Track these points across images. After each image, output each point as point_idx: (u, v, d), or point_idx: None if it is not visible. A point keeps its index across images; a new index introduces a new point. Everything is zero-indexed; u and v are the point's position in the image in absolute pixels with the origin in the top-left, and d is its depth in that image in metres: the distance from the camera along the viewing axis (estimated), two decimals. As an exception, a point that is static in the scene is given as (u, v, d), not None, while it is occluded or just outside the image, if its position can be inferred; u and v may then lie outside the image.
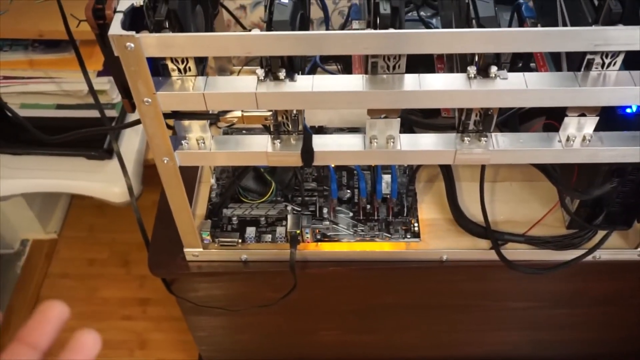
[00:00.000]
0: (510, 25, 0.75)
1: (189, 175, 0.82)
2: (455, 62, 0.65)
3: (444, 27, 0.74)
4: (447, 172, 0.80)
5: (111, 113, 1.04)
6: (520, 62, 0.72)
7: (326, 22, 0.79)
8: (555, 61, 0.65)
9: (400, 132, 0.63)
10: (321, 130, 0.85)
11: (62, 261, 1.29)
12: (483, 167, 0.72)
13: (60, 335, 1.11)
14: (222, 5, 0.78)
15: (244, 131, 0.84)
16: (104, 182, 1.02)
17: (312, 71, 0.75)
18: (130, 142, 1.05)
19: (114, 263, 1.26)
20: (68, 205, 1.37)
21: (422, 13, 0.81)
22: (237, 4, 1.06)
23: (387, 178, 0.78)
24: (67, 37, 0.67)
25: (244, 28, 0.89)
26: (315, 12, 0.84)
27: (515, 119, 0.74)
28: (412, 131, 0.78)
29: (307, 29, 0.64)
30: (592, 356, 1.02)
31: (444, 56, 0.72)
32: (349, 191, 0.80)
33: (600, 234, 0.74)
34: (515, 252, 0.74)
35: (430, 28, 0.78)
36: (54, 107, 1.05)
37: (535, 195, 0.80)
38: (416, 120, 0.79)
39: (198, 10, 0.59)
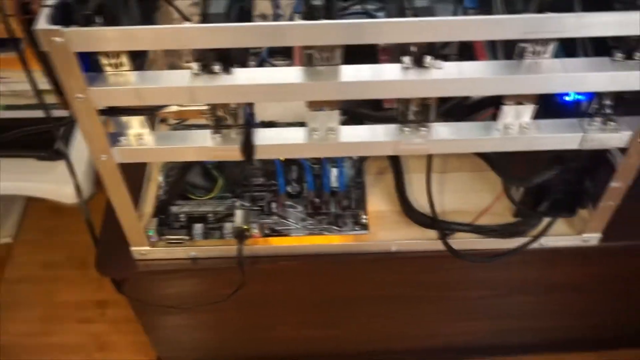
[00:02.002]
0: (455, 13, 0.77)
1: (137, 173, 0.81)
2: (396, 53, 0.65)
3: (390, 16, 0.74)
4: (395, 163, 0.80)
5: (64, 113, 1.02)
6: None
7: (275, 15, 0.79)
8: (494, 50, 0.65)
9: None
10: (272, 124, 0.84)
11: (18, 265, 1.26)
12: (429, 157, 0.73)
13: (20, 340, 1.08)
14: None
15: (193, 127, 0.83)
16: (55, 183, 1.00)
17: (260, 66, 0.75)
18: (82, 142, 1.03)
19: (71, 265, 1.24)
20: (23, 208, 1.34)
21: (368, 6, 0.81)
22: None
23: (336, 171, 0.78)
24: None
25: (188, 20, 0.88)
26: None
27: (459, 109, 0.75)
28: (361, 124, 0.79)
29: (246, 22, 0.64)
30: (553, 343, 1.04)
31: (389, 47, 0.72)
32: (298, 185, 0.79)
33: (546, 221, 0.75)
34: (463, 241, 0.75)
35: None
36: (3, 108, 1.02)
37: (485, 185, 0.80)
38: (366, 113, 0.79)
39: (132, 4, 0.58)
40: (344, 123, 0.79)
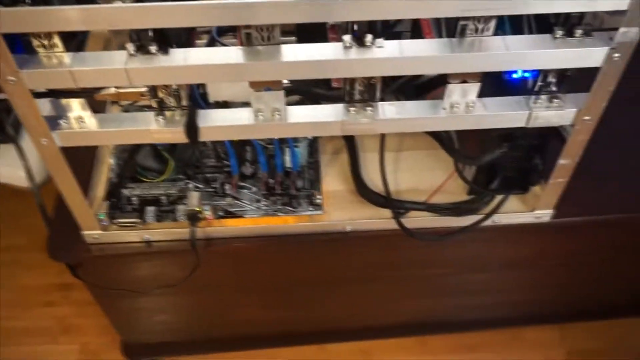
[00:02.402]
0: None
1: (87, 155, 0.80)
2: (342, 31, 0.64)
3: None
4: (350, 143, 0.80)
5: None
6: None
7: None
8: (440, 28, 0.65)
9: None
10: (225, 105, 0.83)
11: (-22, 249, 1.24)
12: (382, 136, 0.72)
13: None
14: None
15: (145, 108, 0.82)
16: (9, 166, 0.98)
17: (210, 45, 0.73)
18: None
19: (33, 249, 1.22)
20: (-17, 192, 1.32)
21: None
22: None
23: (289, 151, 0.77)
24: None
25: None
26: None
27: (412, 87, 0.75)
28: (318, 104, 0.78)
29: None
30: (512, 318, 1.05)
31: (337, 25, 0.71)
32: (252, 166, 0.79)
33: (499, 199, 0.75)
34: (417, 220, 0.75)
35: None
36: (-47, 90, 1.00)
37: (440, 163, 0.80)
38: (318, 92, 0.78)
39: (66, -17, 0.56)
40: (299, 102, 0.79)
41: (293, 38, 0.76)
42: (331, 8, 0.50)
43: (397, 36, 0.76)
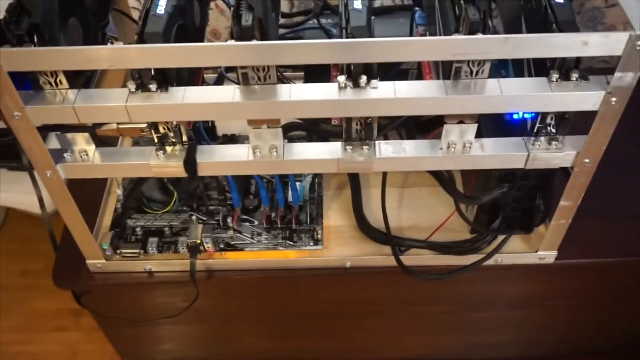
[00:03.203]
0: (411, 32, 0.77)
1: (97, 186, 0.82)
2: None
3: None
4: (353, 178, 0.80)
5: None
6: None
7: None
8: (438, 69, 0.65)
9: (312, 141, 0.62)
10: (233, 138, 0.85)
11: (-3, 273, 1.27)
12: (384, 173, 0.73)
13: None
14: (121, 12, 0.78)
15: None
16: (26, 193, 1.01)
17: (219, 82, 0.75)
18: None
19: (48, 274, 1.24)
20: (4, 216, 1.35)
21: (328, 20, 0.81)
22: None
23: (296, 186, 0.78)
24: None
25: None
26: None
27: (414, 125, 0.75)
28: (325, 140, 0.79)
29: (191, 41, 0.64)
30: (515, 357, 1.03)
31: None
32: (255, 199, 0.79)
33: (501, 239, 0.74)
34: (417, 257, 0.75)
35: (331, 35, 0.78)
36: (-25, 118, 1.04)
37: (443, 200, 0.79)
38: (329, 129, 0.79)
39: (72, 23, 0.59)
40: (305, 137, 0.80)
41: (301, 73, 0.78)
42: (323, 51, 0.51)
43: (404, 74, 0.78)
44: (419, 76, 0.76)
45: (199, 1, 0.68)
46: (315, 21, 0.77)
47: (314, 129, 0.79)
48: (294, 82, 0.65)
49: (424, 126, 0.74)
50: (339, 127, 0.77)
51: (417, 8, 0.74)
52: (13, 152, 1.01)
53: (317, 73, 0.71)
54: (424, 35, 0.71)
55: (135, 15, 0.92)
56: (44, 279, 1.26)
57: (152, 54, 0.51)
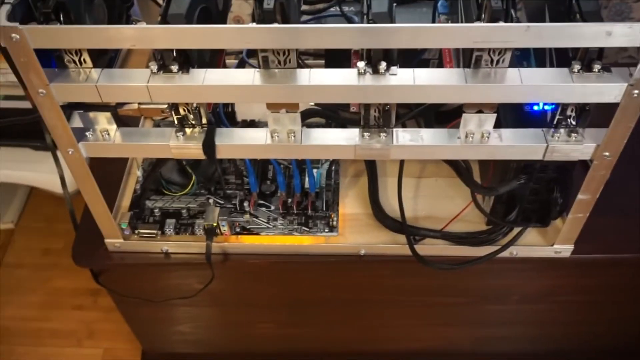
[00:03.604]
0: (433, 20, 0.76)
1: (118, 167, 0.83)
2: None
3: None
4: (370, 166, 0.80)
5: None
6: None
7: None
8: (459, 57, 0.65)
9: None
10: (252, 124, 0.85)
11: (18, 251, 1.30)
12: (401, 162, 0.73)
13: (16, 324, 1.10)
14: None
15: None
16: (49, 172, 1.03)
17: (240, 67, 0.76)
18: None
19: (69, 253, 1.26)
20: (27, 195, 1.38)
21: (350, 8, 0.81)
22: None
23: (313, 172, 0.78)
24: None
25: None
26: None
27: (430, 114, 0.75)
28: (343, 127, 0.79)
29: (212, 24, 0.65)
30: (533, 353, 1.02)
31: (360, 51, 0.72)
32: (272, 185, 0.80)
33: (517, 231, 0.74)
34: (432, 247, 0.75)
35: (352, 23, 0.78)
36: (2, 98, 1.06)
37: (460, 191, 0.79)
38: (347, 117, 0.79)
39: (98, 3, 0.60)
40: (323, 124, 0.80)
41: (321, 61, 0.78)
42: (343, 36, 0.51)
43: (425, 64, 0.77)
44: (440, 66, 0.75)
45: (223, -15, 0.69)
46: (337, 8, 0.78)
47: (332, 116, 0.79)
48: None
49: (444, 117, 0.74)
50: (357, 115, 0.77)
51: (439, -3, 0.74)
52: (37, 131, 1.03)
53: (338, 61, 0.72)
54: (446, 23, 0.71)
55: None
56: (65, 258, 1.28)
57: (175, 34, 0.52)
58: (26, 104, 1.03)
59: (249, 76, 0.56)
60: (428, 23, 0.75)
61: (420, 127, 0.78)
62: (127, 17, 0.69)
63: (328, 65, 0.77)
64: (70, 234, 1.31)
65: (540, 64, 0.64)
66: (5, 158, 1.05)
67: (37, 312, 1.21)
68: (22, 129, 0.99)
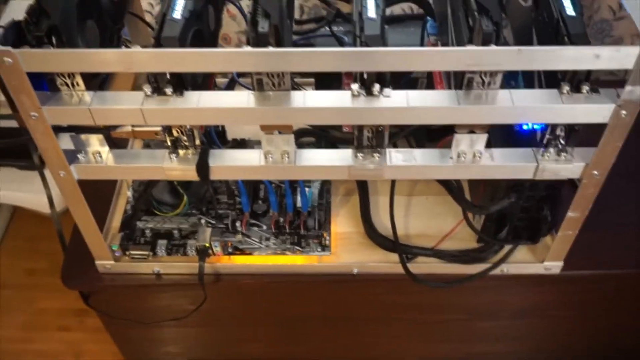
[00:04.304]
0: (422, 41, 0.77)
1: (108, 187, 0.83)
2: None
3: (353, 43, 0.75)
4: (361, 185, 0.81)
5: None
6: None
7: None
8: (450, 78, 0.66)
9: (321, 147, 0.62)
10: (242, 143, 0.85)
11: (2, 271, 1.27)
12: (393, 181, 0.73)
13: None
14: (136, 15, 0.79)
15: (165, 143, 0.84)
16: (35, 192, 1.02)
17: (230, 87, 0.76)
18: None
19: (53, 273, 1.24)
20: (11, 215, 1.36)
21: (339, 28, 0.82)
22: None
23: (299, 192, 0.78)
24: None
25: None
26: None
27: (425, 132, 0.75)
28: (334, 147, 0.79)
29: (206, 46, 0.65)
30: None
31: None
32: (264, 204, 0.80)
33: (507, 248, 0.75)
34: (424, 265, 0.75)
35: (342, 43, 0.79)
36: (-13, 117, 1.04)
37: (450, 209, 0.80)
38: (338, 136, 0.79)
39: (90, 25, 0.60)
40: (314, 143, 0.81)
41: (311, 79, 0.79)
42: (338, 59, 0.52)
43: (414, 82, 0.78)
44: (429, 85, 0.76)
45: (214, 6, 0.69)
46: (327, 28, 0.78)
47: (323, 135, 0.80)
48: (304, 89, 0.66)
49: (433, 134, 0.75)
50: (348, 134, 0.78)
51: (428, 18, 0.75)
52: (23, 151, 1.02)
53: (328, 80, 0.72)
54: (436, 44, 0.72)
55: (148, 18, 0.94)
56: (49, 278, 1.27)
57: (170, 58, 0.52)
58: (12, 123, 1.03)
59: (244, 99, 0.56)
60: (416, 43, 0.77)
61: (410, 145, 0.79)
62: (117, 38, 0.69)
63: (318, 84, 0.77)
64: (54, 253, 1.28)
65: (528, 82, 0.66)
66: (-11, 178, 1.04)
67: (21, 333, 1.19)
68: (7, 147, 0.99)
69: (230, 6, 1.04)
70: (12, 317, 1.21)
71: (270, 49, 0.52)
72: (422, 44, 0.77)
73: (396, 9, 0.97)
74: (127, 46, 0.73)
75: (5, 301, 1.23)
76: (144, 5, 1.00)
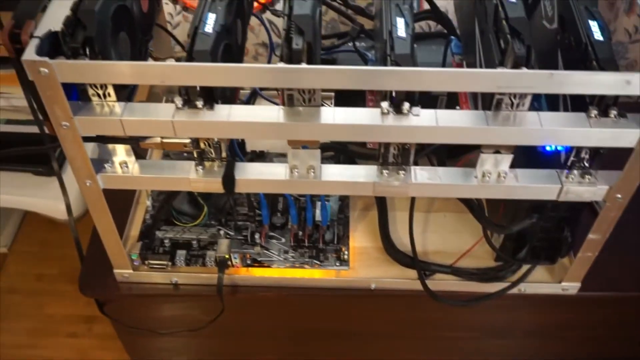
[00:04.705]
0: (444, 60, 0.78)
1: (127, 196, 0.83)
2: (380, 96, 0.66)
3: (377, 59, 0.75)
4: (380, 200, 0.81)
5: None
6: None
7: (270, 49, 0.81)
8: (476, 98, 0.66)
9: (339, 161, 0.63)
10: (262, 155, 0.86)
11: (11, 276, 1.27)
12: (413, 198, 0.73)
13: (8, 351, 1.07)
14: (163, 28, 0.80)
15: (184, 154, 0.85)
16: (50, 198, 1.02)
17: (252, 98, 0.76)
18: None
19: (63, 279, 1.25)
20: (21, 219, 1.36)
21: (361, 44, 0.83)
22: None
23: (320, 206, 0.79)
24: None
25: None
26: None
27: (441, 151, 0.76)
28: (352, 161, 0.80)
29: (234, 60, 0.65)
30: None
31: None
32: (283, 217, 0.80)
33: (526, 268, 0.75)
34: (442, 282, 0.75)
35: (366, 59, 0.79)
36: (4, 122, 1.05)
37: (468, 227, 0.80)
38: (357, 151, 0.80)
39: (122, 37, 0.60)
40: (332, 157, 0.81)
41: (331, 94, 0.79)
42: (372, 77, 0.52)
43: (434, 100, 0.79)
44: (449, 103, 0.77)
45: (242, 20, 0.70)
46: (350, 44, 0.79)
47: (343, 149, 0.80)
48: (324, 102, 0.66)
49: (453, 151, 0.75)
50: (367, 149, 0.78)
51: (452, 37, 0.76)
52: (36, 156, 1.03)
53: (349, 94, 0.73)
54: (461, 64, 0.73)
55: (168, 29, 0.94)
56: (59, 284, 1.27)
57: (204, 72, 0.52)
58: (27, 129, 1.04)
59: (274, 113, 0.57)
60: (439, 61, 0.78)
61: (431, 162, 0.79)
62: (145, 50, 0.69)
63: (339, 98, 0.78)
64: (64, 259, 1.30)
65: (551, 104, 0.66)
66: (4, 183, 1.04)
67: (30, 339, 1.19)
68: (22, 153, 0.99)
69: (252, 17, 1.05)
70: (20, 322, 1.20)
71: (305, 65, 0.52)
72: (444, 62, 0.78)
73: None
74: (152, 57, 0.73)
75: (14, 306, 1.23)
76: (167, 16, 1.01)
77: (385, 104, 0.56)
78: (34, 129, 1.05)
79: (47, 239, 1.32)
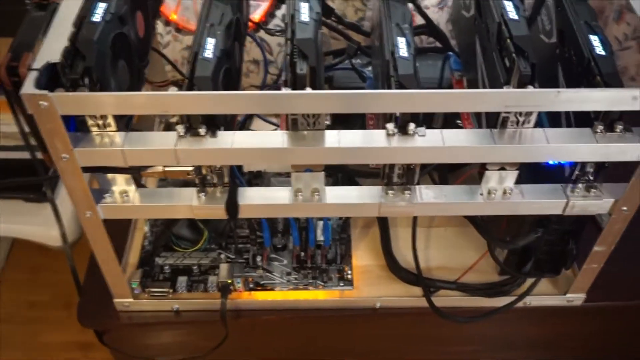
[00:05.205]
0: (442, 75, 0.78)
1: (123, 221, 0.81)
2: (382, 118, 0.66)
3: (374, 77, 0.75)
4: (381, 218, 0.80)
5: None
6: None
7: (265, 69, 0.80)
8: (479, 117, 0.66)
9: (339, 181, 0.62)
10: (259, 175, 0.85)
11: (3, 304, 1.24)
12: (415, 216, 0.73)
13: None
14: (158, 52, 0.79)
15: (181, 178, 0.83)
16: (42, 225, 1.00)
17: (248, 121, 0.76)
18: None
19: (56, 306, 1.23)
20: (10, 246, 1.33)
21: (357, 61, 0.82)
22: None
23: (321, 226, 0.78)
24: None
25: (182, 75, 0.89)
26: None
27: (443, 168, 0.75)
28: (353, 181, 0.79)
29: (234, 82, 0.65)
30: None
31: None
32: (284, 238, 0.79)
33: (531, 280, 0.75)
34: (447, 299, 0.75)
35: (363, 77, 0.79)
36: (-1, 149, 1.03)
37: (470, 242, 0.80)
38: (357, 169, 0.79)
39: (121, 65, 0.59)
40: (329, 176, 0.80)
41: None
42: (380, 101, 0.52)
43: (429, 116, 0.78)
44: (445, 121, 0.77)
45: (239, 43, 0.69)
46: (347, 61, 0.79)
47: (342, 168, 0.80)
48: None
49: (453, 165, 0.75)
50: (368, 168, 0.78)
51: (450, 53, 0.76)
52: (29, 184, 1.01)
53: (346, 116, 0.72)
54: (461, 80, 0.72)
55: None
56: (52, 311, 1.24)
57: (210, 101, 0.52)
58: (22, 155, 1.02)
59: (279, 139, 0.56)
60: (436, 76, 0.78)
61: (432, 179, 0.79)
62: (142, 75, 0.68)
63: (336, 119, 0.77)
64: (56, 285, 1.27)
65: (552, 119, 0.66)
66: (-3, 211, 1.01)
67: (23, 369, 1.16)
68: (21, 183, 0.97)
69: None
70: (14, 352, 1.18)
71: (310, 90, 0.51)
72: (441, 78, 0.77)
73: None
74: (148, 81, 0.72)
75: (6, 336, 1.20)
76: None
77: (390, 126, 0.56)
78: (25, 155, 1.04)
79: (38, 265, 1.29)
